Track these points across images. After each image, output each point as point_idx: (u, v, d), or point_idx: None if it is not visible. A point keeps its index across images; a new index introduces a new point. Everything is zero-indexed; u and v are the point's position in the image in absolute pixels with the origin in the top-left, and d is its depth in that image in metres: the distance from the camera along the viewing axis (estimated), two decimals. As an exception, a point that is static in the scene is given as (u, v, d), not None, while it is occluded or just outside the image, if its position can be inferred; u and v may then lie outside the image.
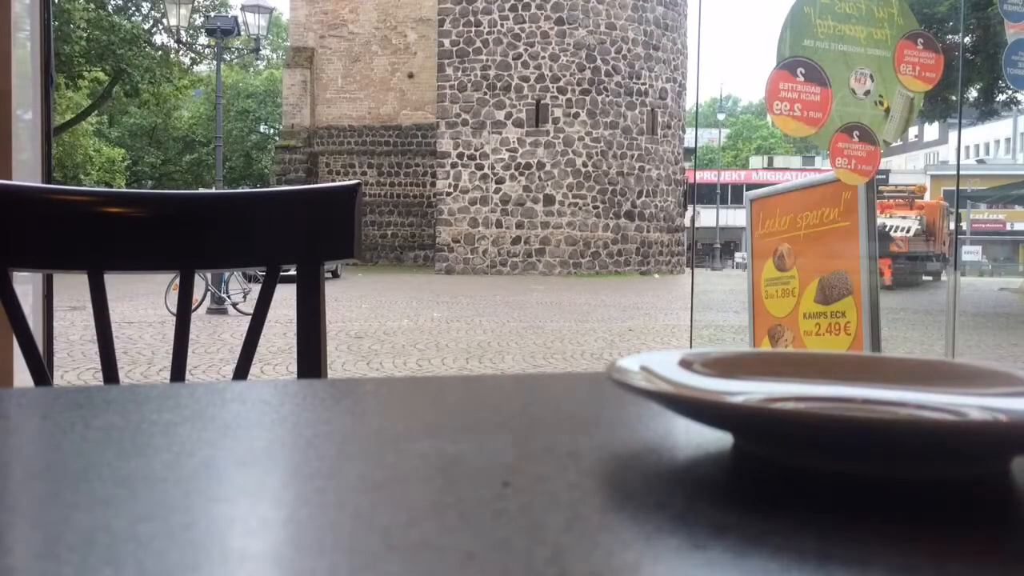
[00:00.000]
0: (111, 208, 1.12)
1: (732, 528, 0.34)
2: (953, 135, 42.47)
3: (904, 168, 50.14)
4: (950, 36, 12.09)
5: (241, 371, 1.10)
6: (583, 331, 10.95)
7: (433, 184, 27.67)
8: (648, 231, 26.30)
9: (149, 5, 29.07)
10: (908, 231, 20.15)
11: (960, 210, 26.31)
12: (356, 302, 14.92)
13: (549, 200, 25.13)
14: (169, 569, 0.29)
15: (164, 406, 0.55)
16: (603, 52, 25.49)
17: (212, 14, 25.44)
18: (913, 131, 48.91)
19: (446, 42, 25.90)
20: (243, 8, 20.62)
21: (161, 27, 28.15)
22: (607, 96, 25.49)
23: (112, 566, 0.29)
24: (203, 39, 28.01)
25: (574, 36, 25.20)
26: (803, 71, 3.60)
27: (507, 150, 25.34)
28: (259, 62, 48.82)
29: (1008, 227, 43.86)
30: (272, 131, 44.28)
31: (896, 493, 0.40)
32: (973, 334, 10.77)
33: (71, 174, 31.68)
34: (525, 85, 25.31)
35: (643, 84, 26.17)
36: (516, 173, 25.29)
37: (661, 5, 26.58)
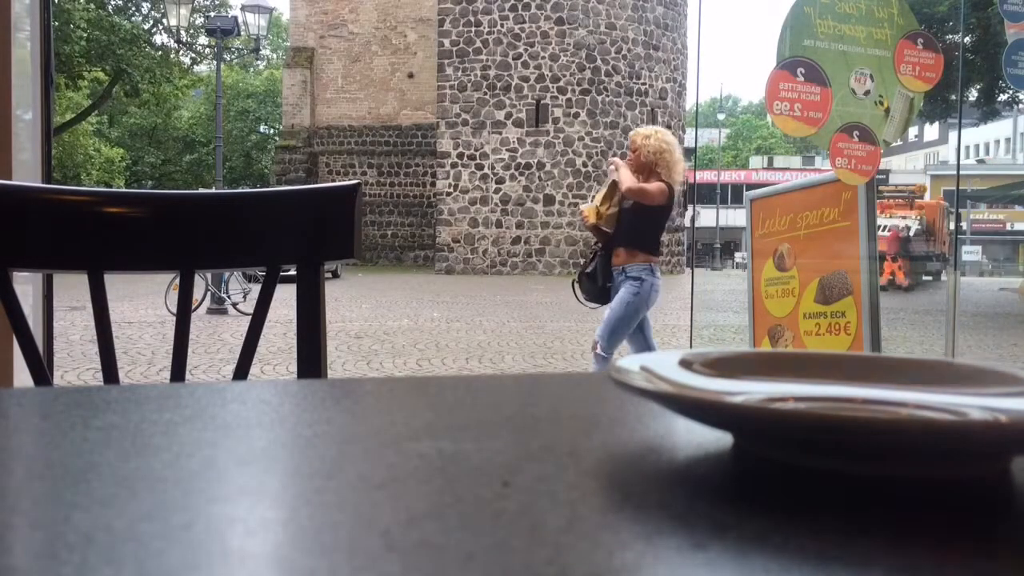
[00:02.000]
0: (111, 208, 1.11)
1: (732, 528, 0.34)
2: (953, 135, 42.43)
3: (904, 168, 50.09)
4: (950, 36, 12.08)
5: (241, 371, 1.10)
6: (583, 331, 10.94)
7: (433, 184, 27.67)
8: (648, 231, 26.26)
9: (149, 5, 29.09)
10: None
11: (960, 210, 26.33)
12: (356, 302, 14.91)
13: (549, 200, 25.13)
14: (169, 569, 0.29)
15: (164, 406, 0.55)
16: (603, 52, 25.48)
17: (212, 14, 25.47)
18: (913, 131, 48.87)
19: (446, 42, 25.89)
20: (243, 8, 20.61)
21: (161, 27, 28.20)
22: (607, 96, 25.49)
23: (112, 566, 0.29)
24: (203, 39, 28.05)
25: (574, 36, 25.19)
26: (803, 71, 3.60)
27: (507, 150, 25.34)
28: (259, 62, 48.85)
29: (1008, 227, 43.84)
30: (272, 131, 44.26)
31: (896, 493, 0.40)
32: (973, 334, 10.77)
33: (71, 174, 31.69)
34: (525, 85, 25.31)
35: (643, 84, 26.16)
36: (516, 173, 25.28)
37: (661, 5, 26.57)
